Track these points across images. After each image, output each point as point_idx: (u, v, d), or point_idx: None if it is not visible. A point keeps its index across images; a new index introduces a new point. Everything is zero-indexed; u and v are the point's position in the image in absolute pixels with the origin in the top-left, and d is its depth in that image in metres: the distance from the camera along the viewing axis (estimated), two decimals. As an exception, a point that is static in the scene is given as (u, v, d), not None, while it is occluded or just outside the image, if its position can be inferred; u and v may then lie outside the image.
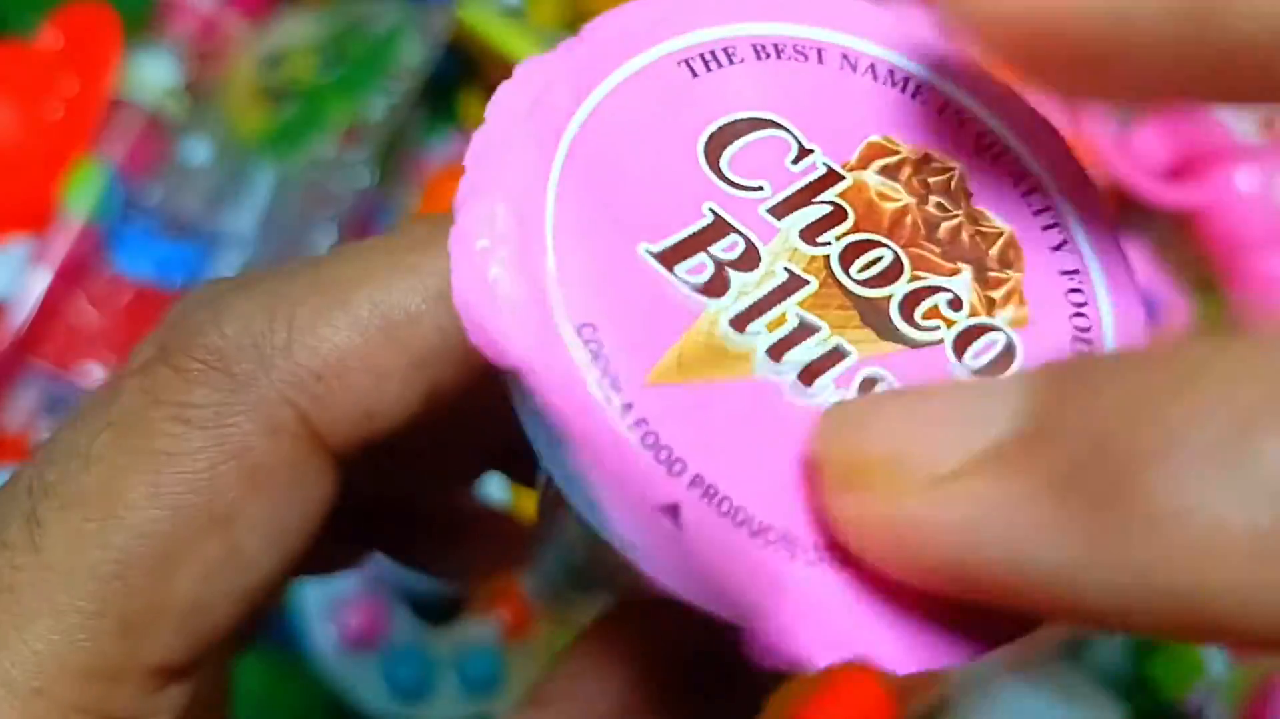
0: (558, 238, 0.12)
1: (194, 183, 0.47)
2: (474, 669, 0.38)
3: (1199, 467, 0.09)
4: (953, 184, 0.14)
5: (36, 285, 0.44)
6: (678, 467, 0.12)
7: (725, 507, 0.12)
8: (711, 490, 0.12)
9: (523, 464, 0.18)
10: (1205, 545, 0.08)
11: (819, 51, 0.15)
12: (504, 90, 0.13)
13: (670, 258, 0.13)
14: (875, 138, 0.14)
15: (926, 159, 0.14)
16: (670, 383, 0.12)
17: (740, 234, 0.13)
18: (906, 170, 0.14)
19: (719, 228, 0.13)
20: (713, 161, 0.13)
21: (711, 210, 0.13)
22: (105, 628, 0.14)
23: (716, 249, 0.13)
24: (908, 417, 0.11)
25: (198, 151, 0.48)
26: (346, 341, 0.14)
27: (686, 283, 0.13)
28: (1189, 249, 0.46)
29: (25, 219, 0.46)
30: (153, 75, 0.47)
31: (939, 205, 0.14)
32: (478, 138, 0.13)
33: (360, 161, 0.45)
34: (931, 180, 0.14)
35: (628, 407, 0.12)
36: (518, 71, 0.13)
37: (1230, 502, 0.08)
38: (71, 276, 0.45)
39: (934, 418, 0.10)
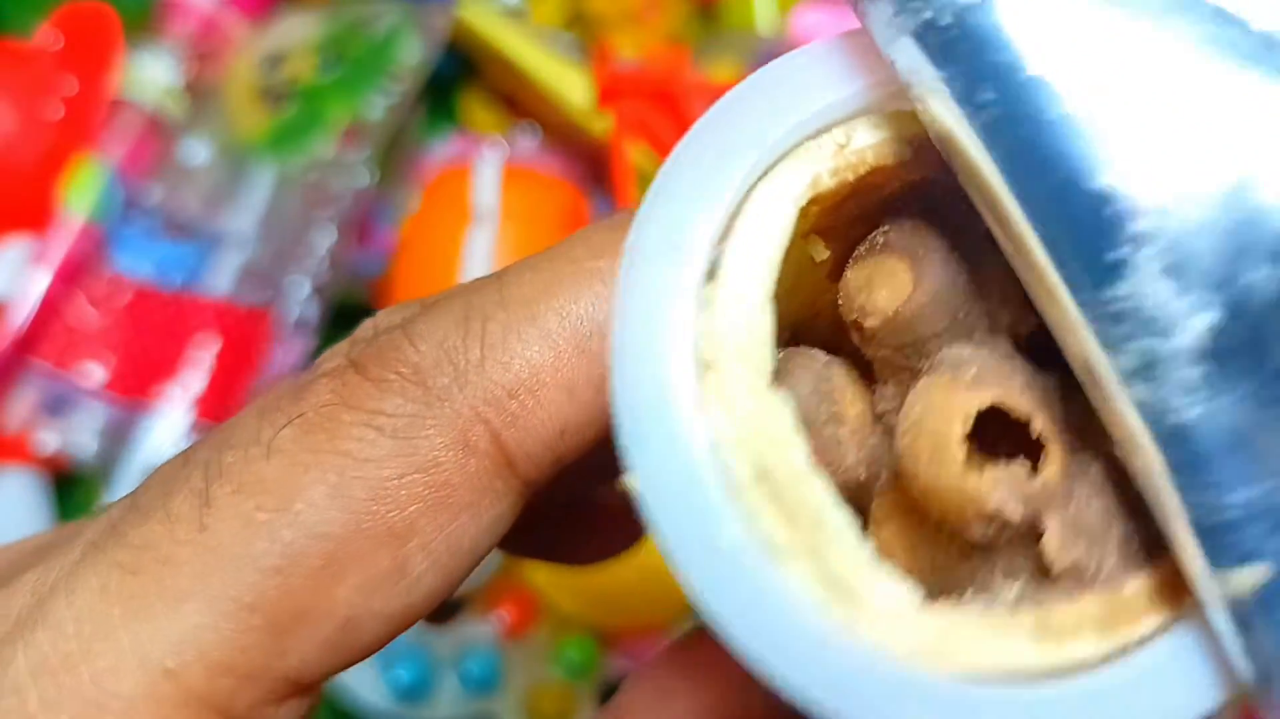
0: None
1: (194, 183, 0.47)
2: (474, 669, 0.38)
3: None
4: None
5: (36, 285, 0.44)
6: None
7: None
8: None
9: None
10: None
11: None
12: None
13: None
14: None
15: None
16: None
17: None
18: None
19: None
20: None
21: None
22: (254, 623, 0.13)
23: None
24: None
25: (197, 151, 0.48)
26: (539, 357, 0.14)
27: None
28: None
29: (25, 219, 0.46)
30: (153, 75, 0.47)
31: None
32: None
33: (359, 161, 0.45)
34: None
35: None
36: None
37: None
38: (71, 276, 0.45)
39: None
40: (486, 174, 0.44)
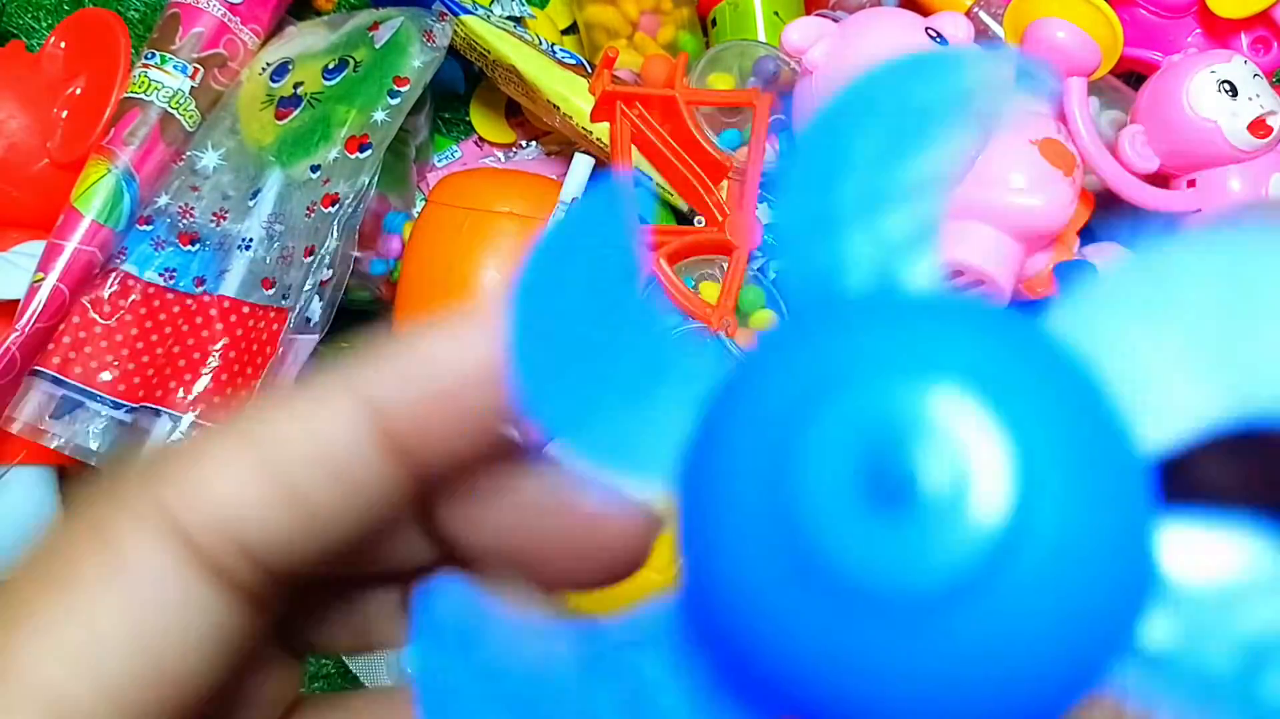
0: None
1: (202, 188, 0.48)
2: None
3: None
4: None
5: (46, 287, 0.44)
6: None
7: None
8: None
9: None
10: None
11: None
12: None
13: None
14: None
15: None
16: None
17: None
18: None
19: None
20: None
21: None
22: None
23: None
24: None
25: (207, 157, 0.48)
26: (209, 446, 0.15)
27: None
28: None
29: (34, 222, 0.47)
30: (164, 82, 0.48)
31: None
32: None
33: (365, 165, 0.46)
34: None
35: None
36: None
37: None
38: (81, 279, 0.45)
39: None
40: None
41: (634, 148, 0.45)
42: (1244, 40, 0.48)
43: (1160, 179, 0.46)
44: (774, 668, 0.10)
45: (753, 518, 0.10)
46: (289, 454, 0.14)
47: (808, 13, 0.51)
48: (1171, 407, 0.10)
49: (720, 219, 0.43)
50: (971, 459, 0.09)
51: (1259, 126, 0.44)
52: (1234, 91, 0.45)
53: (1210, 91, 0.45)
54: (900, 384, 0.10)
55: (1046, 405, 0.10)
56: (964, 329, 0.10)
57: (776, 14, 0.51)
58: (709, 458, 0.10)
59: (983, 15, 0.48)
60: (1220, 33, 0.49)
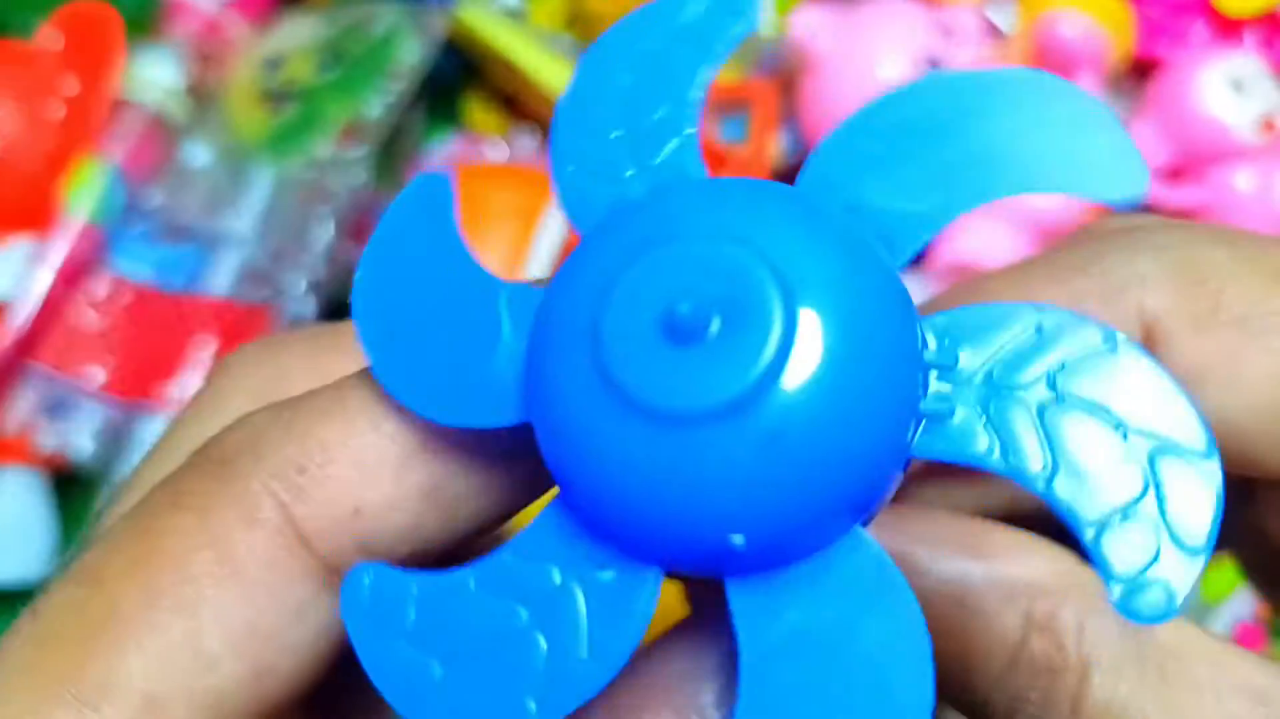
0: None
1: (194, 184, 0.47)
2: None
3: None
4: None
5: (37, 286, 0.44)
6: None
7: None
8: None
9: None
10: None
11: None
12: None
13: None
14: None
15: None
16: None
17: None
18: None
19: None
20: None
21: None
22: (54, 695, 0.13)
23: None
24: None
25: (198, 154, 0.48)
26: (330, 433, 0.14)
27: None
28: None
29: (26, 220, 0.46)
30: (154, 76, 0.47)
31: None
32: None
33: (358, 160, 0.45)
34: None
35: None
36: None
37: None
38: (72, 278, 0.45)
39: None
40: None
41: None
42: (1251, 38, 0.48)
43: (1168, 175, 0.46)
44: (602, 496, 0.12)
45: (577, 368, 0.12)
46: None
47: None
48: (903, 228, 0.13)
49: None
50: (746, 305, 0.11)
51: (1266, 123, 0.44)
52: (1242, 89, 0.45)
53: (1218, 88, 0.45)
54: (687, 246, 0.12)
55: (811, 257, 0.12)
56: (743, 201, 0.12)
57: (778, 4, 0.50)
58: (544, 326, 0.13)
59: (989, 11, 0.48)
60: (1228, 30, 0.49)
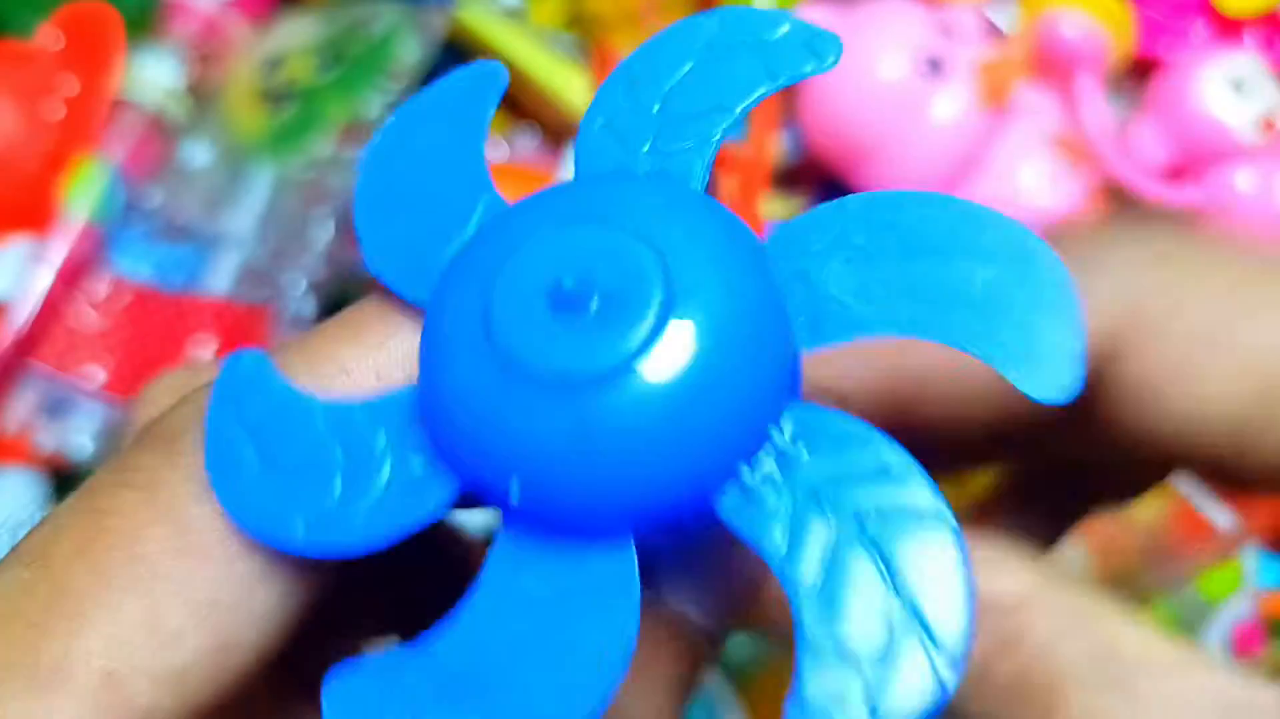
0: None
1: (194, 184, 0.47)
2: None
3: None
4: None
5: (37, 286, 0.44)
6: None
7: None
8: None
9: None
10: None
11: None
12: None
13: None
14: None
15: None
16: None
17: None
18: None
19: None
20: None
21: None
22: (6, 679, 0.13)
23: None
24: None
25: (198, 154, 0.48)
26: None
27: None
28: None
29: (26, 219, 0.46)
30: (154, 77, 0.47)
31: None
32: None
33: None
34: None
35: None
36: None
37: None
38: (72, 278, 0.45)
39: None
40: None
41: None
42: (1251, 38, 0.48)
43: (1168, 175, 0.46)
44: (475, 443, 0.13)
45: (468, 328, 0.13)
46: None
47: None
48: (838, 319, 0.13)
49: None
50: (628, 292, 0.12)
51: (1266, 123, 0.44)
52: (1242, 89, 0.45)
53: (1218, 88, 0.45)
54: (588, 230, 0.13)
55: (707, 266, 0.13)
56: (661, 201, 0.13)
57: (778, 3, 0.50)
58: (446, 285, 0.14)
59: (990, 11, 0.48)
60: (1228, 30, 0.49)
